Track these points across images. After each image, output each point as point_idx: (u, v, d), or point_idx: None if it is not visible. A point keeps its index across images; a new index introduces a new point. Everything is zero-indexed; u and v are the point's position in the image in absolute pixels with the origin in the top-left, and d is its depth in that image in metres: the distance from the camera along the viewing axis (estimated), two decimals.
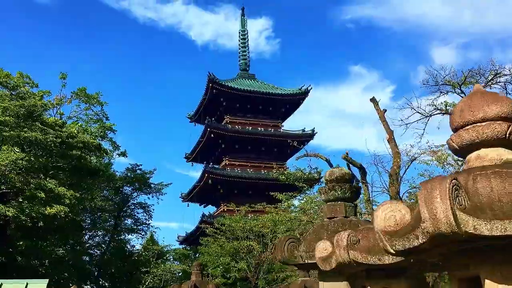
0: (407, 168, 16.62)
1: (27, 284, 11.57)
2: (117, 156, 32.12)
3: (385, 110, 18.02)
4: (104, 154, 23.83)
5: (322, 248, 3.55)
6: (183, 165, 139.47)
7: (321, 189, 5.10)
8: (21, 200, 15.91)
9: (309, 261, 4.59)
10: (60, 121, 19.78)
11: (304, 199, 20.69)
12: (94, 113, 29.48)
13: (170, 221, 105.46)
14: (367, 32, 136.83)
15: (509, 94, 20.84)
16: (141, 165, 34.29)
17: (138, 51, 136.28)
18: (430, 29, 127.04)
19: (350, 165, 17.01)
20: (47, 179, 16.07)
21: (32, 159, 15.73)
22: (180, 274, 31.46)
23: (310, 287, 12.36)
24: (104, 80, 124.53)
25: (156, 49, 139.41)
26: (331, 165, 20.40)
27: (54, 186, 15.45)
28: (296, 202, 22.20)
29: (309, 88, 45.14)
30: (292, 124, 74.66)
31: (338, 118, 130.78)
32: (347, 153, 17.16)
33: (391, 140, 17.36)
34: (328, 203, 5.01)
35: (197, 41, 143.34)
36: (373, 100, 18.09)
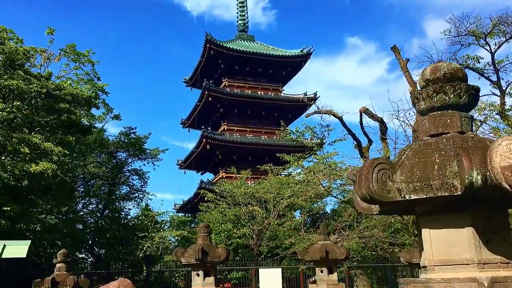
0: None
1: (4, 246, 9.97)
2: (110, 119, 30.34)
3: (408, 60, 16.27)
4: (96, 108, 21.97)
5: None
6: (177, 135, 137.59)
7: (418, 93, 3.41)
8: (4, 157, 14.21)
9: (412, 197, 2.95)
10: (46, 72, 17.86)
11: (315, 159, 19.08)
12: (84, 73, 27.42)
13: (165, 192, 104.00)
14: (365, 3, 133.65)
15: None
16: (135, 128, 32.40)
17: (132, 20, 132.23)
18: (427, 1, 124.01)
19: (371, 119, 15.36)
20: (32, 134, 14.35)
21: (14, 111, 13.95)
22: (178, 240, 30.10)
23: (331, 251, 10.86)
24: (96, 48, 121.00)
25: (151, 19, 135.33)
26: (344, 124, 18.73)
27: (40, 141, 13.73)
28: (305, 164, 20.60)
29: (311, 50, 43.13)
30: (291, 92, 72.67)
31: (335, 90, 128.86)
32: (365, 108, 15.48)
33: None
34: (430, 114, 3.34)
35: (192, 12, 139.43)
36: (394, 48, 16.31)
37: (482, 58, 19.69)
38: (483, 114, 16.55)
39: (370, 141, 19.85)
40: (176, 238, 29.57)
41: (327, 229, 11.81)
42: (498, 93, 19.76)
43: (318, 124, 18.17)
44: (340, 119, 18.34)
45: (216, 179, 40.48)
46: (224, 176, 37.92)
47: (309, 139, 21.51)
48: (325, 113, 17.69)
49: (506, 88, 19.60)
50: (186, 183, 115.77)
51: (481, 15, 18.38)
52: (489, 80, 19.85)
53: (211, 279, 9.74)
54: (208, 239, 10.21)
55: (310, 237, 20.22)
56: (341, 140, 19.19)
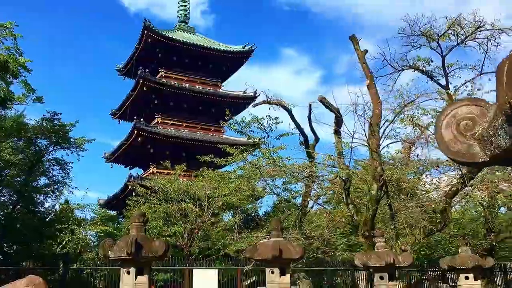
0: (393, 120, 14.10)
1: None
2: (32, 101, 27.21)
3: (366, 51, 15.39)
4: (14, 78, 19.22)
5: None
6: (106, 130, 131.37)
7: None
8: None
9: None
10: None
11: (260, 152, 17.73)
12: (5, 48, 24.37)
13: (89, 190, 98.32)
14: (302, 16, 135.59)
15: (487, 51, 19.05)
16: (60, 114, 29.34)
17: (67, 14, 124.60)
18: (360, 20, 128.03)
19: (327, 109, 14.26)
20: None
21: None
22: (101, 237, 27.51)
23: (285, 249, 9.49)
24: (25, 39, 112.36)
25: (86, 13, 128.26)
26: (292, 117, 17.61)
27: None
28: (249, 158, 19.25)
29: (253, 47, 41.96)
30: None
31: (268, 104, 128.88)
32: (322, 96, 14.38)
33: (372, 85, 14.81)
34: None
35: (130, 9, 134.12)
36: (353, 38, 15.38)
37: (432, 61, 19.39)
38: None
39: (316, 138, 18.91)
40: (99, 234, 26.98)
41: (281, 224, 10.42)
42: (447, 98, 19.56)
43: (267, 116, 16.88)
44: (289, 112, 17.21)
45: (146, 174, 38.08)
46: (155, 172, 35.72)
47: (247, 138, 20.32)
48: (275, 104, 16.45)
49: (454, 92, 19.40)
50: (113, 179, 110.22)
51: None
52: (438, 84, 19.57)
53: (144, 278, 8.01)
54: (143, 231, 8.48)
55: (245, 239, 18.94)
56: (288, 135, 18.09)
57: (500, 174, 18.31)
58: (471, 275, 11.97)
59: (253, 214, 29.41)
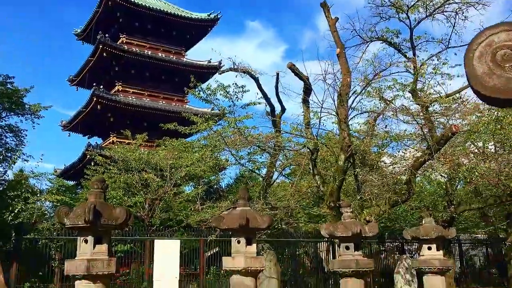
0: (361, 92, 13.87)
1: None
2: None
3: (337, 19, 15.00)
4: None
5: None
6: (63, 99, 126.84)
7: None
8: None
9: None
10: None
11: (226, 122, 17.24)
12: None
13: (45, 161, 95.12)
14: None
15: (455, 25, 19.01)
16: (13, 77, 27.72)
17: None
18: None
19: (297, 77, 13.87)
20: None
21: None
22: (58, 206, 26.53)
23: (252, 218, 9.17)
24: None
25: None
26: (259, 86, 17.15)
27: None
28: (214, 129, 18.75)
29: (218, 16, 40.89)
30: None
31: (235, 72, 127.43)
32: (292, 64, 13.96)
33: (342, 54, 14.50)
34: None
35: None
36: (324, 5, 14.94)
37: (401, 33, 19.24)
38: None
39: (283, 109, 18.58)
40: (55, 204, 26.00)
41: (248, 193, 10.07)
42: (413, 71, 19.53)
43: (233, 84, 16.33)
44: (256, 80, 16.74)
45: (106, 144, 36.91)
46: (115, 141, 34.63)
47: (211, 108, 19.80)
48: (242, 71, 15.92)
49: (420, 66, 19.39)
50: (70, 148, 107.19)
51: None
52: (405, 56, 19.50)
53: (103, 247, 7.53)
54: (103, 197, 7.94)
55: (207, 210, 18.62)
56: (254, 104, 17.68)
57: (461, 148, 18.60)
58: (433, 246, 12.07)
59: (215, 186, 29.11)
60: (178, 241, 15.85)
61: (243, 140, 16.26)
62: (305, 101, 14.62)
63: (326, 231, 11.04)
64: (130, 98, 37.10)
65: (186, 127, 18.02)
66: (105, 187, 8.09)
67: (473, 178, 15.02)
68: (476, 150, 19.06)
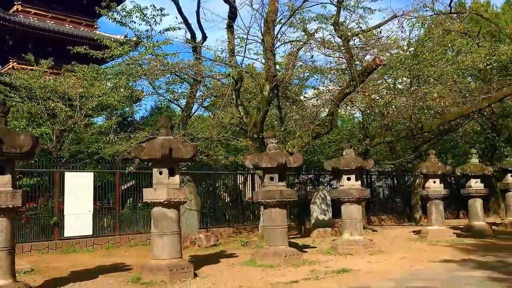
0: (286, 21, 13.26)
1: None
2: None
3: None
4: None
5: None
6: None
7: None
8: None
9: None
10: None
11: (143, 47, 15.97)
12: None
13: None
14: None
15: None
16: None
17: None
18: None
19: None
20: None
21: None
22: None
23: (175, 148, 8.61)
24: None
25: None
26: (180, 10, 15.93)
27: None
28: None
29: None
30: None
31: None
32: None
33: None
34: None
35: None
36: None
37: None
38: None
39: (204, 36, 17.62)
40: None
41: (171, 122, 9.40)
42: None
43: (151, 6, 14.93)
44: (176, 3, 15.49)
45: (5, 69, 33.41)
46: (16, 66, 31.30)
47: (124, 36, 18.26)
48: None
49: None
50: None
51: None
52: None
53: (6, 178, 6.63)
54: (3, 123, 6.90)
55: (122, 142, 17.68)
56: (174, 30, 16.50)
57: (379, 82, 19.01)
58: (353, 176, 12.37)
59: (129, 119, 27.75)
60: (91, 173, 14.89)
61: (162, 68, 15.24)
62: (230, 27, 13.81)
63: (250, 162, 10.78)
64: (32, 20, 33.43)
65: (99, 52, 16.43)
66: (5, 111, 7.04)
67: (390, 112, 15.45)
68: (392, 86, 19.63)
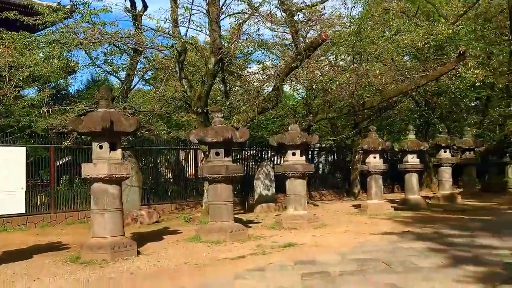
0: None
1: None
2: None
3: None
4: None
5: None
6: None
7: None
8: None
9: None
10: None
11: (79, 13, 15.00)
12: None
13: None
14: None
15: None
16: None
17: None
18: None
19: None
20: None
21: None
22: None
23: (117, 120, 8.18)
24: None
25: None
26: None
27: None
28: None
29: None
30: None
31: None
32: None
33: None
34: None
35: None
36: None
37: None
38: None
39: (145, 5, 16.89)
40: None
41: (111, 93, 8.89)
42: None
43: None
44: None
45: None
46: None
47: (57, 3, 17.06)
48: None
49: None
50: None
51: None
52: None
53: None
54: None
55: (56, 116, 16.76)
56: None
57: (322, 59, 19.13)
58: (298, 152, 12.40)
59: (63, 92, 26.36)
60: (23, 148, 14.00)
61: (99, 37, 14.42)
62: None
63: (195, 136, 10.50)
64: None
65: (30, 17, 15.23)
66: None
67: (333, 88, 15.56)
68: (333, 62, 19.82)
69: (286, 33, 15.78)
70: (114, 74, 17.72)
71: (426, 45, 16.95)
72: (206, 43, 18.16)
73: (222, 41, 15.03)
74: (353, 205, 17.65)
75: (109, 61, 16.89)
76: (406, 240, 9.38)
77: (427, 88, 21.37)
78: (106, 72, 17.16)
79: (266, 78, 15.05)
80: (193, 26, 23.64)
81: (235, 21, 15.71)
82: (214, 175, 10.09)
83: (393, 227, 11.44)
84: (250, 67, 17.44)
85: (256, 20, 15.78)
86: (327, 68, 18.06)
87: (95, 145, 8.25)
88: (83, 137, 12.94)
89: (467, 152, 21.54)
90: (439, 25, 16.91)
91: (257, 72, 16.43)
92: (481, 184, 24.89)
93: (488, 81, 20.39)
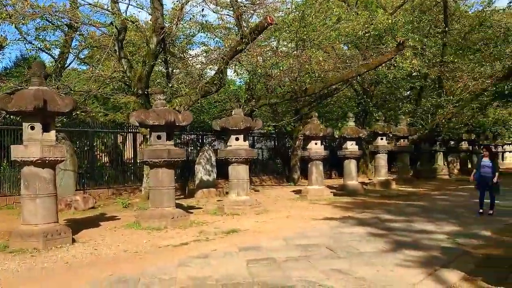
0: None
1: None
2: None
3: None
4: None
5: None
6: None
7: None
8: None
9: None
10: None
11: None
12: None
13: None
14: None
15: None
16: None
17: None
18: None
19: None
20: None
21: None
22: None
23: (51, 99, 7.63)
24: None
25: None
26: None
27: None
28: None
29: None
30: None
31: None
32: None
33: None
34: None
35: None
36: None
37: None
38: None
39: None
40: None
41: (45, 70, 8.26)
42: None
43: None
44: None
45: None
46: None
47: None
48: None
49: None
50: None
51: None
52: None
53: None
54: None
55: None
56: None
57: (264, 44, 19.00)
58: (241, 136, 12.24)
59: None
60: None
61: (30, 11, 13.41)
62: None
63: (136, 119, 10.06)
64: None
65: None
66: None
67: (276, 73, 15.51)
68: (275, 48, 19.77)
69: (230, 15, 15.48)
70: (46, 51, 16.62)
71: (367, 34, 17.28)
72: (146, 23, 17.50)
73: (164, 21, 14.51)
74: (294, 191, 17.82)
75: (41, 37, 15.79)
76: (347, 225, 9.54)
77: (366, 77, 21.89)
78: (37, 48, 16.03)
79: (209, 61, 14.71)
80: (134, 3, 22.73)
81: (178, 1, 15.21)
82: (155, 160, 9.73)
83: (334, 212, 11.61)
84: (193, 49, 16.99)
85: (200, 0, 15.39)
86: (269, 54, 17.98)
87: (26, 125, 7.65)
88: (12, 117, 12.05)
89: (401, 140, 22.36)
90: (379, 15, 17.28)
91: (200, 55, 16.04)
92: (413, 171, 26.01)
93: (423, 72, 21.20)
